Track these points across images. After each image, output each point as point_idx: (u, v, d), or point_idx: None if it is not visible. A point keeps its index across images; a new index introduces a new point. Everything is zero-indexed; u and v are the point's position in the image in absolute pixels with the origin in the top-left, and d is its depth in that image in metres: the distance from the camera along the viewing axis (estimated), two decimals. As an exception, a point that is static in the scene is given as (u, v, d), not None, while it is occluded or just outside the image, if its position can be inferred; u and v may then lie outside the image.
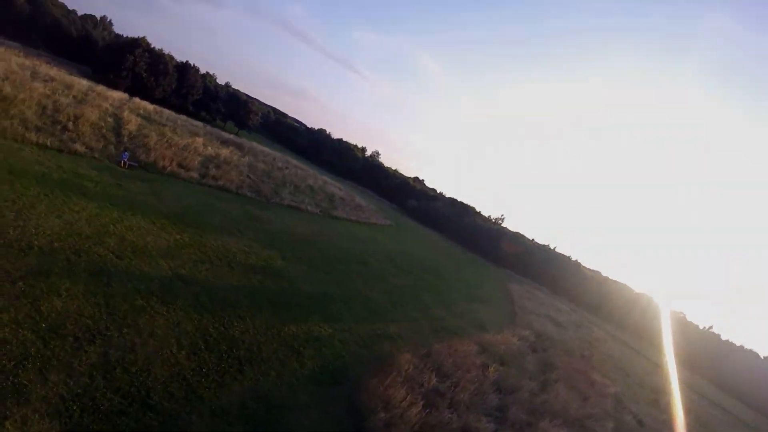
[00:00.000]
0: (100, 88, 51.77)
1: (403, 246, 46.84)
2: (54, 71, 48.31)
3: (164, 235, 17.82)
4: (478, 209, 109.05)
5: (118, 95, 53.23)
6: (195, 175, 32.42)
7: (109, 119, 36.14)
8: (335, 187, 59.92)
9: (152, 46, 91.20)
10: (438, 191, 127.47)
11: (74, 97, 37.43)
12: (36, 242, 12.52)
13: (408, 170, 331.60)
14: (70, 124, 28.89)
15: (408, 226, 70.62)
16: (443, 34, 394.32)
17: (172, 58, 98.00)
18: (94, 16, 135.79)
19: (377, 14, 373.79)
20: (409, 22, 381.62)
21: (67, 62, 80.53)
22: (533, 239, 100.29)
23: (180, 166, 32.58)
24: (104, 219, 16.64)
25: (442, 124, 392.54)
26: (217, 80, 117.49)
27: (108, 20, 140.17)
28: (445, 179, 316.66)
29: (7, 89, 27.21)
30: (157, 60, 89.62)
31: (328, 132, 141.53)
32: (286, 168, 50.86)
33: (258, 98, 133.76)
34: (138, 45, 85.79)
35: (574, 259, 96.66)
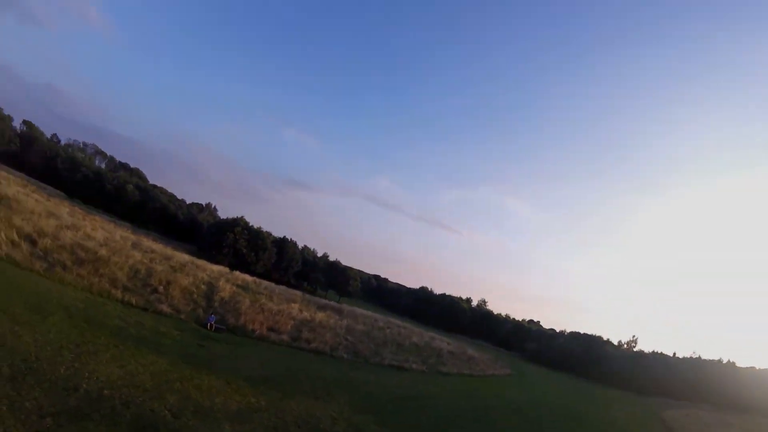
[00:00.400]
0: (201, 262, 59.51)
1: (529, 394, 45.43)
2: (156, 245, 57.51)
3: (237, 397, 16.05)
4: (605, 337, 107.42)
5: (217, 268, 60.41)
6: (286, 338, 32.09)
7: (203, 286, 39.61)
8: (443, 341, 59.99)
9: (251, 224, 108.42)
10: (558, 330, 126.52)
11: (171, 266, 42.51)
12: (85, 385, 11.67)
13: (521, 312, 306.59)
14: (161, 288, 31.77)
15: (530, 371, 68.68)
16: (527, 178, 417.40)
17: (270, 234, 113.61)
18: (200, 203, 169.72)
19: (458, 176, 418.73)
20: (491, 175, 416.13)
21: (174, 242, 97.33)
22: (674, 353, 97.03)
23: (271, 329, 32.84)
24: (172, 375, 15.65)
25: (544, 261, 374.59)
26: (316, 252, 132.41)
27: (213, 206, 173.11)
28: (562, 314, 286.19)
29: (103, 252, 31.68)
30: (256, 236, 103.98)
31: (430, 289, 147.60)
32: (388, 328, 50.98)
33: (358, 268, 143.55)
34: (237, 224, 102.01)
35: (726, 361, 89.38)
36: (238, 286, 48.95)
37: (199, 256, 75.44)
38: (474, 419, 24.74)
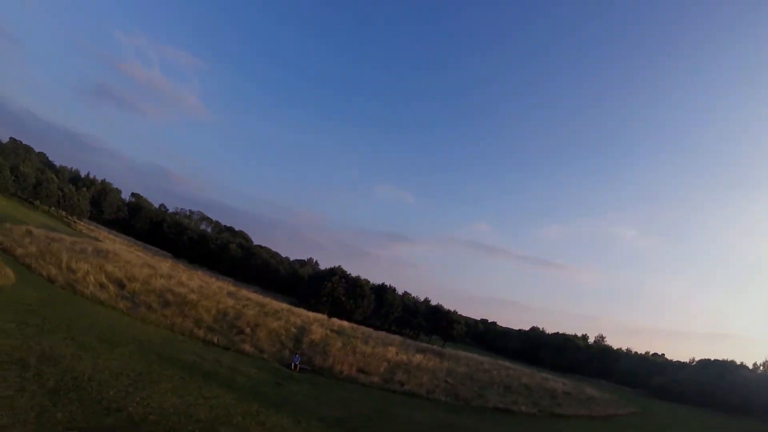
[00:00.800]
0: (298, 309, 61.45)
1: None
2: (253, 295, 60.52)
3: None
4: (738, 361, 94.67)
5: (313, 315, 61.88)
6: (377, 380, 30.94)
7: (293, 329, 40.39)
8: (557, 382, 55.04)
9: (348, 273, 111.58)
10: (687, 360, 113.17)
11: (264, 312, 44.30)
12: (130, 409, 11.79)
13: (642, 346, 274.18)
14: (247, 329, 32.97)
15: (657, 409, 63.24)
16: (639, 201, 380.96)
17: (368, 282, 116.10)
18: (303, 259, 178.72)
19: (559, 211, 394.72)
20: (594, 205, 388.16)
21: (275, 294, 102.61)
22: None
23: (360, 371, 32.03)
24: (235, 410, 15.30)
25: (661, 288, 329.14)
26: (417, 298, 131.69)
27: (314, 261, 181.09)
28: (686, 343, 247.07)
29: (193, 296, 33.65)
30: (354, 284, 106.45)
31: (541, 329, 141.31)
32: (494, 369, 47.59)
33: (463, 314, 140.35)
34: (335, 273, 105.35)
35: None
36: (332, 330, 49.33)
37: (299, 306, 78.39)
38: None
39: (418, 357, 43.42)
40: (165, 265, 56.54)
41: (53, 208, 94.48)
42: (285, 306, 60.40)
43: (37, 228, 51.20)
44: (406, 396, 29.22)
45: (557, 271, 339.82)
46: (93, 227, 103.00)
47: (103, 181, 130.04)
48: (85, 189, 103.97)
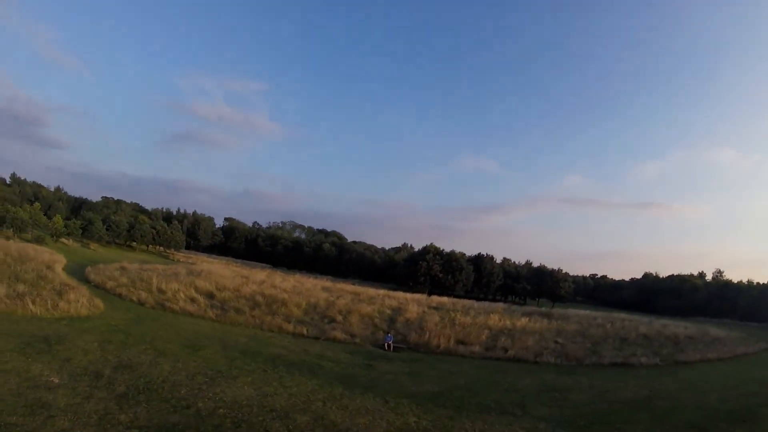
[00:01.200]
0: (396, 293, 61.34)
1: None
2: (349, 287, 61.30)
3: (390, 416, 14.28)
4: None
5: (412, 296, 61.49)
6: (478, 349, 29.66)
7: (388, 311, 40.17)
8: (678, 327, 49.92)
9: (442, 249, 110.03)
10: None
11: (359, 299, 44.62)
12: (200, 404, 11.64)
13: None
14: (339, 317, 33.46)
15: None
16: (731, 117, 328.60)
17: (463, 254, 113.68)
18: (398, 246, 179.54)
19: (652, 146, 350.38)
20: (686, 133, 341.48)
21: (374, 283, 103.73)
22: None
23: (460, 342, 30.98)
24: (315, 395, 14.85)
25: None
26: (517, 263, 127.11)
27: (409, 245, 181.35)
28: None
29: (284, 296, 34.43)
30: (449, 259, 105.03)
31: (655, 274, 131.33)
32: (609, 323, 44.18)
33: (570, 273, 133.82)
34: (427, 251, 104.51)
35: None
36: (429, 307, 48.59)
37: (397, 290, 78.64)
38: (737, 419, 18.07)
39: (523, 321, 41.35)
40: (261, 274, 58.88)
41: (150, 246, 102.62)
42: (382, 292, 60.44)
43: (132, 264, 55.10)
44: (511, 362, 27.72)
45: (660, 211, 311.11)
46: (190, 255, 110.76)
47: (194, 213, 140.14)
48: (177, 222, 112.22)
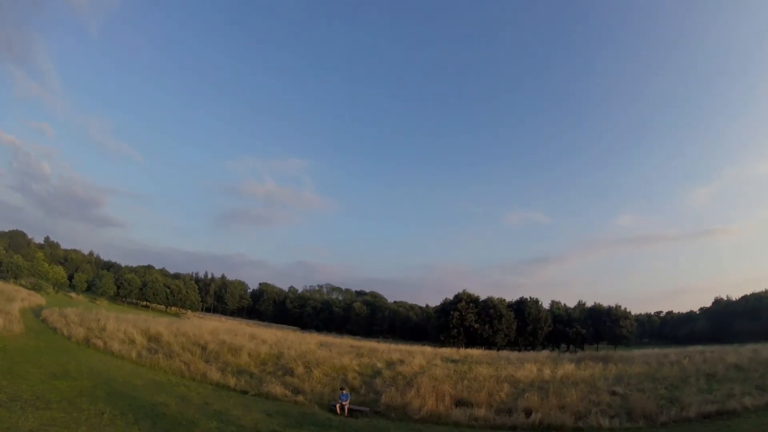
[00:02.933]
0: (413, 347, 51.10)
1: None
2: (357, 342, 51.60)
3: None
4: None
5: (434, 350, 51.10)
6: (482, 412, 19.18)
7: (378, 364, 30.44)
8: None
9: (476, 295, 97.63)
10: None
11: (353, 353, 35.14)
12: None
13: None
14: (300, 370, 26.10)
15: None
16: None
17: (502, 300, 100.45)
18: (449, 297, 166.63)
19: (700, 169, 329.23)
20: (733, 150, 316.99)
21: (405, 341, 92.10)
22: None
23: (460, 403, 20.61)
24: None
25: None
26: (565, 305, 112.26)
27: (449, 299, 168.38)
28: None
29: (245, 344, 28.66)
30: (485, 306, 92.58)
31: (727, 297, 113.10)
32: (685, 358, 32.36)
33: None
34: (459, 299, 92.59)
35: None
36: (446, 360, 38.41)
37: (433, 346, 67.84)
38: None
39: (568, 368, 30.28)
40: (266, 332, 50.19)
41: (168, 308, 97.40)
42: (393, 346, 50.53)
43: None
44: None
45: (720, 235, 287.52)
46: (207, 315, 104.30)
47: (223, 276, 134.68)
48: (193, 281, 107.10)
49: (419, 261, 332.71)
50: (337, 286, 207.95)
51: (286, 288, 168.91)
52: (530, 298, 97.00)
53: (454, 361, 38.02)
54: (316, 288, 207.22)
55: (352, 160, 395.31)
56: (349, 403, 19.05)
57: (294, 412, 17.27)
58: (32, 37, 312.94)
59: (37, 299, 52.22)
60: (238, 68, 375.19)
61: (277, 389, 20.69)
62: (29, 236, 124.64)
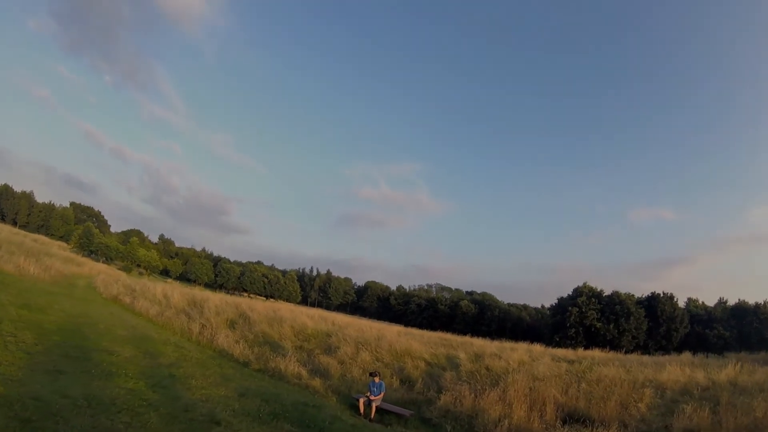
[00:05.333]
0: (529, 346, 42.50)
1: None
2: (464, 339, 44.03)
3: None
4: None
5: (542, 348, 42.12)
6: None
7: (461, 355, 22.89)
8: None
9: (599, 289, 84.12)
10: None
11: (442, 344, 28.21)
12: None
13: None
14: (346, 350, 20.49)
15: None
16: None
17: (631, 296, 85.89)
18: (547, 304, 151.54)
19: None
20: None
21: (518, 342, 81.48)
22: None
23: (570, 417, 12.92)
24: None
25: None
26: (704, 303, 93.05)
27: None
28: None
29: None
30: (610, 302, 79.16)
31: None
32: None
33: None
34: (580, 293, 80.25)
35: None
36: (557, 359, 29.66)
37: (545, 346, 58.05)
38: None
39: (729, 371, 20.44)
40: (349, 318, 45.19)
41: (267, 299, 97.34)
42: (494, 342, 42.31)
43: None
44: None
45: None
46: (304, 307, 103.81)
47: (328, 272, 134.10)
48: (293, 273, 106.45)
49: (537, 264, 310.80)
50: (446, 285, 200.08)
51: (394, 287, 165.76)
52: (663, 293, 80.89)
53: (568, 360, 29.01)
54: (425, 287, 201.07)
55: (466, 162, 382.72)
56: (382, 400, 12.10)
57: (292, 401, 11.38)
58: (152, 65, 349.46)
59: (115, 273, 52.42)
60: (347, 74, 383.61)
61: (289, 366, 15.41)
62: (145, 234, 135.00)
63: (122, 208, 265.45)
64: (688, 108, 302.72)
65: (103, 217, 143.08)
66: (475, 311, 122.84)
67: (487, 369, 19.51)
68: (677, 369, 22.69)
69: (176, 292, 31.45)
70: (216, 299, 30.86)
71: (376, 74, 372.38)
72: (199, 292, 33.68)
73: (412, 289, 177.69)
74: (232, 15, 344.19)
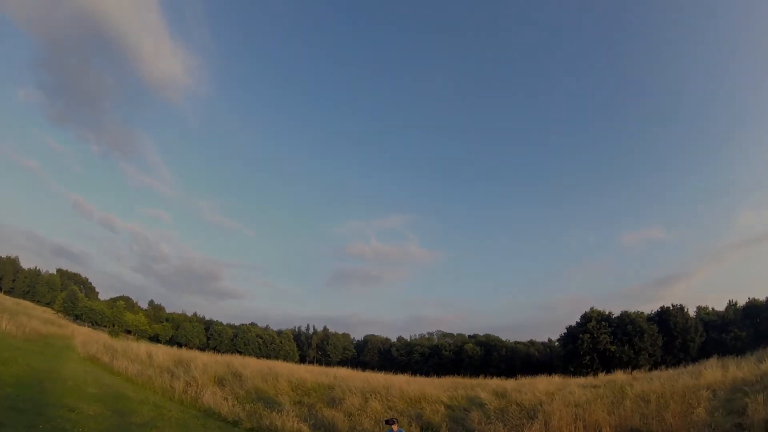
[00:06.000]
0: (547, 378, 39.70)
1: None
2: (477, 381, 40.92)
3: None
4: None
5: (561, 379, 39.65)
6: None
7: (482, 395, 20.54)
8: None
9: (607, 312, 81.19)
10: None
11: (453, 386, 25.24)
12: None
13: None
14: (352, 400, 18.10)
15: None
16: None
17: (641, 313, 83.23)
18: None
19: None
20: None
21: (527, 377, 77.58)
22: None
23: None
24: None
25: None
26: (714, 309, 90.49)
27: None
28: None
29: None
30: (621, 323, 76.28)
31: None
32: None
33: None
34: (589, 319, 77.31)
35: None
36: (583, 386, 27.14)
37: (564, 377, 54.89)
38: None
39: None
40: (352, 372, 41.94)
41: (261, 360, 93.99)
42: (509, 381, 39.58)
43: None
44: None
45: None
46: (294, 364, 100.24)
47: (325, 328, 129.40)
48: (288, 332, 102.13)
49: (536, 302, 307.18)
50: (448, 332, 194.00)
51: (394, 339, 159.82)
52: (673, 305, 78.40)
53: (594, 386, 26.51)
54: (426, 336, 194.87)
55: (453, 209, 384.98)
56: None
57: None
58: (138, 134, 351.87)
59: (98, 335, 49.42)
60: (326, 136, 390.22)
61: (287, 423, 13.34)
62: (135, 300, 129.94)
63: (112, 277, 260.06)
64: (665, 125, 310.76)
65: (90, 284, 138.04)
66: (481, 353, 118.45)
67: (518, 404, 17.11)
68: (715, 371, 20.74)
69: (161, 351, 29.27)
70: (205, 357, 28.60)
71: (355, 133, 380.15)
72: (186, 352, 30.69)
73: (413, 338, 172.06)
74: (215, 84, 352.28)
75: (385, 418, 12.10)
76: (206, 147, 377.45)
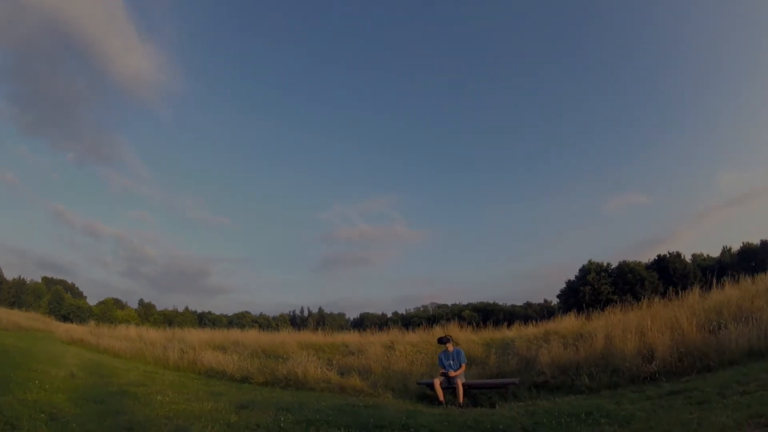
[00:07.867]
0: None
1: None
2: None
3: None
4: None
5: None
6: None
7: (510, 334, 19.38)
8: None
9: (605, 263, 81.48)
10: None
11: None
12: None
13: None
14: (374, 349, 16.84)
15: None
16: None
17: (639, 262, 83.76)
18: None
19: None
20: None
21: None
22: None
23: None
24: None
25: None
26: (708, 255, 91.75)
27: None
28: None
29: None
30: (621, 273, 76.51)
31: None
32: None
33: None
34: (588, 271, 77.35)
35: None
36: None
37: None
38: None
39: None
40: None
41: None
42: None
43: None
44: None
45: None
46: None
47: (320, 309, 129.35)
48: (284, 316, 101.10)
49: (524, 271, 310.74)
50: (443, 304, 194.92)
51: (390, 315, 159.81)
52: (669, 253, 78.87)
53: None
54: (421, 308, 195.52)
55: (436, 186, 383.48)
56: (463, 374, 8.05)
57: (332, 405, 8.06)
58: (114, 137, 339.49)
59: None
60: (304, 121, 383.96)
61: (310, 370, 11.87)
62: (124, 301, 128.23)
63: (99, 284, 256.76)
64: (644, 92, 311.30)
65: (78, 289, 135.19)
66: (478, 319, 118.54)
67: (557, 334, 15.41)
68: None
69: (152, 331, 28.21)
70: (202, 333, 26.78)
71: (334, 118, 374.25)
72: (180, 330, 28.76)
73: (409, 311, 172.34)
74: (188, 79, 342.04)
75: (439, 336, 10.49)
76: (184, 143, 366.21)
